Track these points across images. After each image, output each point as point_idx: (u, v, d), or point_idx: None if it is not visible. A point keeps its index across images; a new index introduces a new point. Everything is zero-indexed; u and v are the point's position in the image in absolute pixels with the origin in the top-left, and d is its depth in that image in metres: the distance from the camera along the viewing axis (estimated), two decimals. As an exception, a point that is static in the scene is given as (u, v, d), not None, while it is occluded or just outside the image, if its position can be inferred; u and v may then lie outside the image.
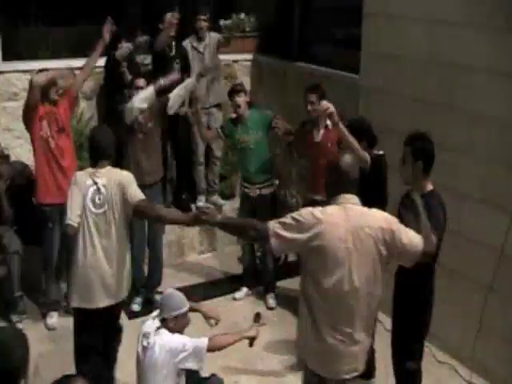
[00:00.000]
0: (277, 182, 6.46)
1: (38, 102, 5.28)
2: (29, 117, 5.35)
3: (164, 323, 3.91)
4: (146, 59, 7.08)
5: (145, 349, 3.87)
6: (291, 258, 6.98)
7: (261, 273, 6.20)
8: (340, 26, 7.13)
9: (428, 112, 5.26)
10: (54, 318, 5.63)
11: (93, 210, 4.20)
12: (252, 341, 4.11)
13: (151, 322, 3.96)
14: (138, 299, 5.84)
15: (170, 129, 6.67)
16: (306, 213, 3.24)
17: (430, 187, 4.05)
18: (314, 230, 3.17)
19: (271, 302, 5.99)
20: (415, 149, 4.04)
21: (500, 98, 4.69)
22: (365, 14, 5.85)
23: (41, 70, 5.43)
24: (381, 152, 4.71)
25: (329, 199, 3.34)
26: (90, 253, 4.20)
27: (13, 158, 5.89)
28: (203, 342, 3.83)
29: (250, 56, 7.99)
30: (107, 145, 4.38)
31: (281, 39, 7.57)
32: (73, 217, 4.14)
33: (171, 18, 6.56)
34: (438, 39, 5.13)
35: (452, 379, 5.06)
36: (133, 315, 5.69)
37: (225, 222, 3.71)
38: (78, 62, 6.79)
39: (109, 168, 4.32)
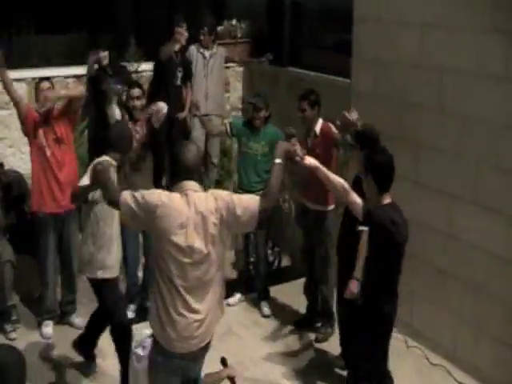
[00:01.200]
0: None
1: (28, 113, 5.26)
2: (25, 125, 5.34)
3: None
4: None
5: (138, 357, 3.88)
6: (284, 263, 7.01)
7: (254, 279, 6.21)
8: (330, 32, 7.18)
9: (419, 115, 5.29)
10: (49, 327, 5.60)
11: None
12: (233, 380, 4.17)
13: (146, 331, 3.96)
14: (132, 306, 5.84)
15: (168, 136, 6.68)
16: (154, 194, 3.37)
17: (386, 201, 3.92)
18: (156, 212, 3.28)
19: (266, 310, 5.98)
20: (367, 162, 3.99)
21: (488, 100, 4.72)
22: (356, 19, 5.88)
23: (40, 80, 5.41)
24: None
25: (172, 187, 3.44)
26: None
27: (6, 167, 5.89)
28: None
29: (241, 62, 8.03)
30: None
31: (272, 45, 7.60)
32: None
33: (181, 30, 6.63)
34: (428, 43, 5.17)
35: (445, 381, 5.06)
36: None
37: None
38: (69, 70, 6.87)
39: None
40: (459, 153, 4.97)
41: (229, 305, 6.12)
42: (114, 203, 3.41)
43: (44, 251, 5.47)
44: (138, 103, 5.59)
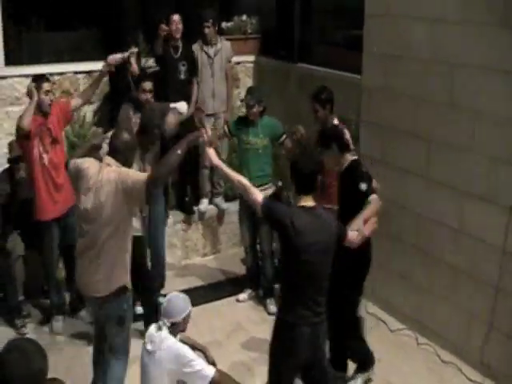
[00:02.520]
0: (280, 183, 6.45)
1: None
2: (20, 140, 5.33)
3: (174, 326, 3.92)
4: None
5: (149, 353, 3.88)
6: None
7: (259, 276, 6.20)
8: (341, 27, 7.14)
9: (430, 111, 5.26)
10: (59, 322, 5.63)
11: None
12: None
13: (157, 326, 3.95)
14: None
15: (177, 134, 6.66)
16: (86, 160, 4.12)
17: (304, 203, 3.72)
18: (79, 173, 4.06)
19: (271, 307, 5.95)
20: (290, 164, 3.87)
21: (500, 95, 4.68)
22: (367, 14, 5.85)
23: (37, 80, 5.40)
24: (355, 157, 4.64)
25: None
26: None
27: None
28: (211, 370, 3.83)
29: (251, 57, 8.00)
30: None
31: (282, 40, 7.58)
32: None
33: (163, 26, 6.65)
34: (439, 38, 5.13)
35: (456, 378, 5.03)
36: (136, 318, 5.68)
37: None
38: (79, 67, 6.87)
39: None
40: (471, 148, 4.94)
41: (238, 301, 6.13)
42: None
43: (48, 248, 5.49)
44: (150, 96, 5.71)
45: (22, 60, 6.89)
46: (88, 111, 6.90)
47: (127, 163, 4.13)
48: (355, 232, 4.04)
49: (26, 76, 6.45)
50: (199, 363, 3.82)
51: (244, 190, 3.87)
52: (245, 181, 3.90)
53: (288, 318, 3.76)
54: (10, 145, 5.79)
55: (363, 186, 4.33)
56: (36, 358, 2.49)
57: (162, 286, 6.03)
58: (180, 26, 6.70)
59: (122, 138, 4.11)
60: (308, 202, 3.71)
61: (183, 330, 4.01)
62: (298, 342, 3.73)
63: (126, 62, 6.12)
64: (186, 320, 3.98)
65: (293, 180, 3.77)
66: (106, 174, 3.92)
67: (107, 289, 4.08)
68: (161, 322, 3.93)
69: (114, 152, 4.08)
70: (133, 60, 6.09)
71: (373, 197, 4.35)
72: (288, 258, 3.76)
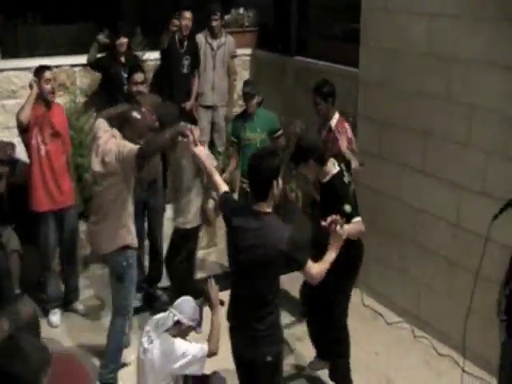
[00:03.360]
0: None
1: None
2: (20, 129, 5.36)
3: (177, 327, 3.93)
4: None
5: (145, 350, 3.89)
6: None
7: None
8: (338, 21, 7.13)
9: (427, 105, 5.26)
10: (56, 315, 5.64)
11: None
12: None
13: (156, 322, 3.97)
14: (139, 295, 5.84)
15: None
16: (105, 128, 4.61)
17: (259, 208, 3.56)
18: (94, 136, 4.67)
19: None
20: None
21: (498, 90, 4.68)
22: (364, 8, 5.85)
23: (38, 70, 5.40)
24: (336, 170, 4.30)
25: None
26: None
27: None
28: (203, 349, 3.89)
29: (248, 51, 8.00)
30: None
31: (279, 34, 7.57)
32: None
33: (175, 21, 6.78)
34: (436, 32, 5.13)
35: (453, 371, 5.05)
36: (134, 311, 5.68)
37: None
38: (75, 59, 6.85)
39: None
40: (468, 142, 4.94)
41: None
42: None
43: (44, 239, 5.50)
44: (141, 88, 5.63)
45: (19, 53, 6.87)
46: (83, 103, 6.88)
47: (131, 141, 4.48)
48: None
49: (23, 69, 6.44)
50: (191, 350, 3.85)
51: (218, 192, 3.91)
52: (223, 186, 3.90)
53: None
54: None
55: (347, 208, 4.04)
56: (34, 354, 2.44)
57: (158, 279, 6.01)
58: (190, 23, 6.76)
59: (133, 118, 4.52)
60: (261, 207, 3.53)
61: (179, 335, 4.00)
62: None
63: (115, 52, 6.17)
64: (189, 329, 3.99)
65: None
66: (109, 145, 4.41)
67: (110, 247, 4.59)
68: (171, 314, 3.94)
69: (121, 128, 4.53)
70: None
71: (357, 219, 4.09)
72: (229, 252, 3.91)
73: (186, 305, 3.98)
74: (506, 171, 4.69)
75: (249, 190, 5.82)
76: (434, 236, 5.34)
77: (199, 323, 4.00)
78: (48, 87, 5.33)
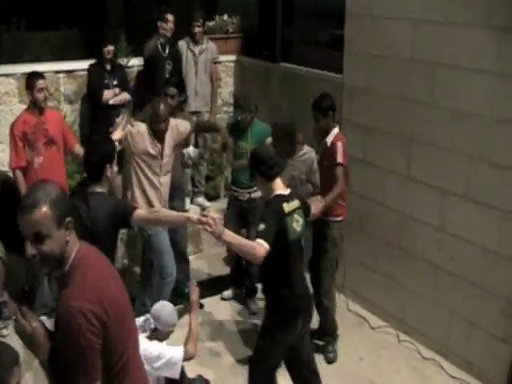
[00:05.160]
0: None
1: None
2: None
3: (155, 333, 3.94)
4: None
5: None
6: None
7: (243, 275, 6.20)
8: (322, 27, 7.17)
9: (411, 110, 5.29)
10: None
11: None
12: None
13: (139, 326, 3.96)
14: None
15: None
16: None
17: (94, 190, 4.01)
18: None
19: (253, 307, 5.95)
20: None
21: (481, 95, 4.73)
22: (348, 14, 5.88)
23: (31, 78, 5.37)
24: (277, 193, 4.10)
25: None
26: None
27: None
28: (179, 352, 3.89)
29: (233, 57, 8.01)
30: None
31: (264, 40, 7.58)
32: None
33: (165, 25, 6.76)
34: (420, 38, 5.17)
35: (437, 375, 5.08)
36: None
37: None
38: (60, 66, 6.83)
39: None
40: (452, 147, 4.98)
41: (223, 299, 6.14)
42: None
43: None
44: (172, 102, 5.77)
45: (3, 59, 6.83)
46: (69, 111, 6.86)
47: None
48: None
49: (6, 75, 6.41)
50: (166, 353, 3.86)
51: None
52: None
53: None
54: None
55: (261, 227, 3.92)
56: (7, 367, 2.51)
57: (187, 278, 5.92)
58: (173, 26, 6.78)
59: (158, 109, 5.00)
60: (94, 188, 3.96)
61: (160, 340, 4.00)
62: None
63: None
64: (168, 333, 4.01)
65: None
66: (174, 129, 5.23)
67: None
68: (148, 320, 3.94)
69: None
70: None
71: (258, 241, 3.85)
72: None
73: (163, 312, 3.98)
74: (489, 176, 4.73)
75: (241, 198, 5.90)
76: (418, 240, 5.37)
77: None
78: (41, 96, 5.34)
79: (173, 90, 5.90)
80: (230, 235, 3.71)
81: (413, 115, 5.28)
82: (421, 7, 5.13)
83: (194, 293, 4.14)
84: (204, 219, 3.56)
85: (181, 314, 4.66)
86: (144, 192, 5.20)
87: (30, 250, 2.37)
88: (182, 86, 6.12)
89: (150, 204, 5.16)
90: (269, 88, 7.36)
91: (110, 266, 2.69)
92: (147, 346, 3.83)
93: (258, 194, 5.73)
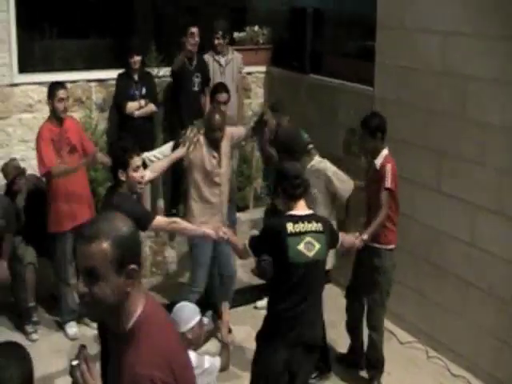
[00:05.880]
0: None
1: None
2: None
3: (182, 338, 3.91)
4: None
5: None
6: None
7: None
8: (353, 39, 7.15)
9: (441, 123, 5.26)
10: (74, 328, 5.65)
11: None
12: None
13: None
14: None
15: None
16: None
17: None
18: None
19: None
20: None
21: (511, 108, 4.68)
22: (379, 26, 5.87)
23: (52, 88, 5.44)
24: (291, 213, 3.94)
25: None
26: None
27: (29, 170, 5.89)
28: (217, 361, 3.88)
29: (263, 68, 8.01)
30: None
31: (294, 51, 7.59)
32: None
33: (190, 39, 6.70)
34: (451, 51, 5.14)
35: (466, 392, 5.02)
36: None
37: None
38: (91, 75, 6.90)
39: None
40: (483, 162, 4.93)
41: (257, 308, 6.10)
42: None
43: (62, 253, 5.51)
44: (224, 107, 5.84)
45: (35, 67, 6.91)
46: (99, 118, 6.92)
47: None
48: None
49: (39, 84, 6.49)
50: (206, 361, 3.83)
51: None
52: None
53: None
54: (4, 170, 5.78)
55: (254, 233, 4.08)
56: (11, 369, 2.32)
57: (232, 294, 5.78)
58: (198, 39, 6.76)
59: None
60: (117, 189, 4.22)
61: (195, 341, 3.97)
62: None
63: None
64: (194, 330, 3.96)
65: None
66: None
67: None
68: None
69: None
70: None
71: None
72: None
73: (179, 314, 3.95)
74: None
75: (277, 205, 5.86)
76: (448, 255, 5.31)
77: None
78: (61, 106, 5.40)
79: (225, 96, 5.94)
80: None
81: (444, 128, 5.24)
82: (451, 19, 5.11)
83: (227, 313, 4.11)
84: (221, 234, 3.99)
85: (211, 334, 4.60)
86: (201, 203, 5.16)
87: (81, 287, 2.07)
88: None
89: (207, 215, 5.16)
90: (298, 99, 7.35)
91: (173, 325, 2.42)
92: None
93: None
